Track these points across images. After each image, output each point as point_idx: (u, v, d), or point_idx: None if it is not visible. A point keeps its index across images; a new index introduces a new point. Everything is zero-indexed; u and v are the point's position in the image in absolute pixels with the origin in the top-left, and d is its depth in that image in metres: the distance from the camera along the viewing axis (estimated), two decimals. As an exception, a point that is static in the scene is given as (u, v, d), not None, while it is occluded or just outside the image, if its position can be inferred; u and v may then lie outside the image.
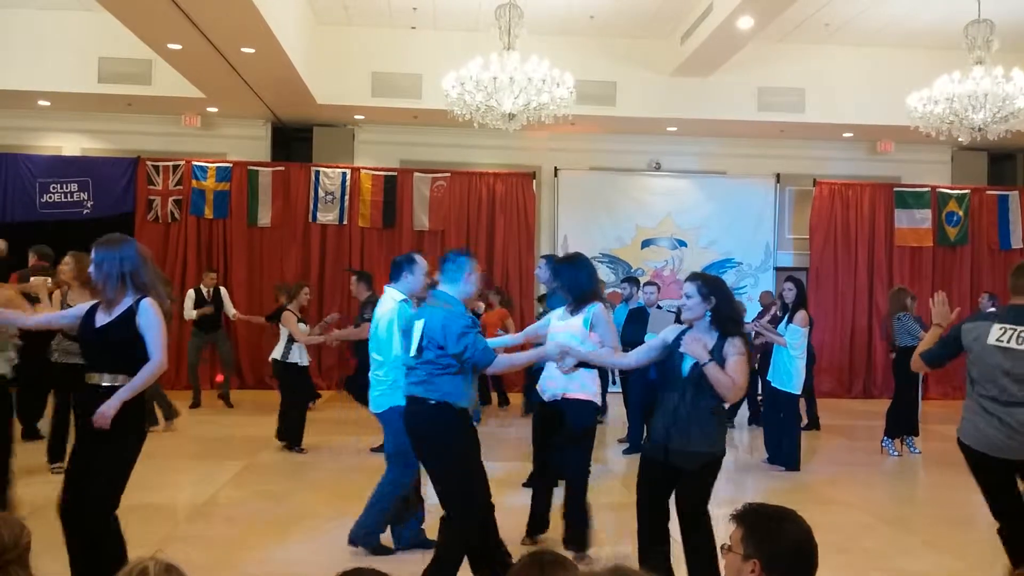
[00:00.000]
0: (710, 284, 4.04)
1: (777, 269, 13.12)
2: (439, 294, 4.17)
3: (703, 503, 3.99)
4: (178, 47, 9.25)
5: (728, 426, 9.95)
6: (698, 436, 3.89)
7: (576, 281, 4.96)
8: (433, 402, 3.99)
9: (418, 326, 4.09)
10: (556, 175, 13.03)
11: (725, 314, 3.98)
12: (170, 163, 12.27)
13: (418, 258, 5.08)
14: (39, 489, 5.43)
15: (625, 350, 8.73)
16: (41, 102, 11.84)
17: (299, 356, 7.99)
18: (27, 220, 11.27)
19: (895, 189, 13.29)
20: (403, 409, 4.26)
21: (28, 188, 11.98)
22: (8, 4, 10.69)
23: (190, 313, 10.60)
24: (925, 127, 9.24)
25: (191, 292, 10.85)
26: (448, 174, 12.74)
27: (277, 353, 8.02)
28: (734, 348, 3.90)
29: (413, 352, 4.10)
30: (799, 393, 7.60)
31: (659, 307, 8.40)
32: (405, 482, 4.89)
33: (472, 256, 4.27)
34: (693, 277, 4.10)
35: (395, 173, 12.66)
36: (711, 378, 3.83)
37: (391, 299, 4.93)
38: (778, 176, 13.33)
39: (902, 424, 8.49)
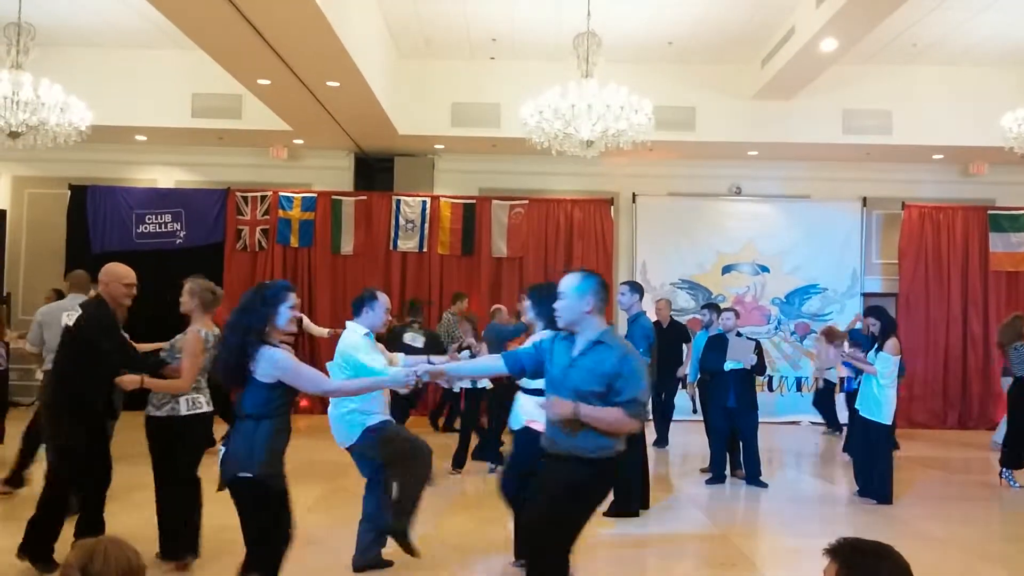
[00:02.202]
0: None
1: (865, 295, 12.74)
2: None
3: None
4: (267, 82, 9.60)
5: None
6: None
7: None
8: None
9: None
10: (634, 201, 12.98)
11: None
12: (258, 194, 12.70)
13: (379, 295, 5.05)
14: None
15: (704, 377, 8.66)
16: (138, 137, 12.45)
17: None
18: (123, 250, 11.77)
19: (989, 212, 12.79)
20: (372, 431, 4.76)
21: (125, 219, 12.58)
22: (107, 44, 11.29)
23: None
24: (1020, 148, 8.93)
25: None
26: (526, 201, 12.83)
27: None
28: None
29: None
30: (890, 423, 7.34)
31: (738, 333, 8.23)
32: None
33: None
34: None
35: (474, 201, 12.82)
36: None
37: (355, 333, 4.92)
38: (864, 199, 12.97)
39: (1013, 456, 8.19)
